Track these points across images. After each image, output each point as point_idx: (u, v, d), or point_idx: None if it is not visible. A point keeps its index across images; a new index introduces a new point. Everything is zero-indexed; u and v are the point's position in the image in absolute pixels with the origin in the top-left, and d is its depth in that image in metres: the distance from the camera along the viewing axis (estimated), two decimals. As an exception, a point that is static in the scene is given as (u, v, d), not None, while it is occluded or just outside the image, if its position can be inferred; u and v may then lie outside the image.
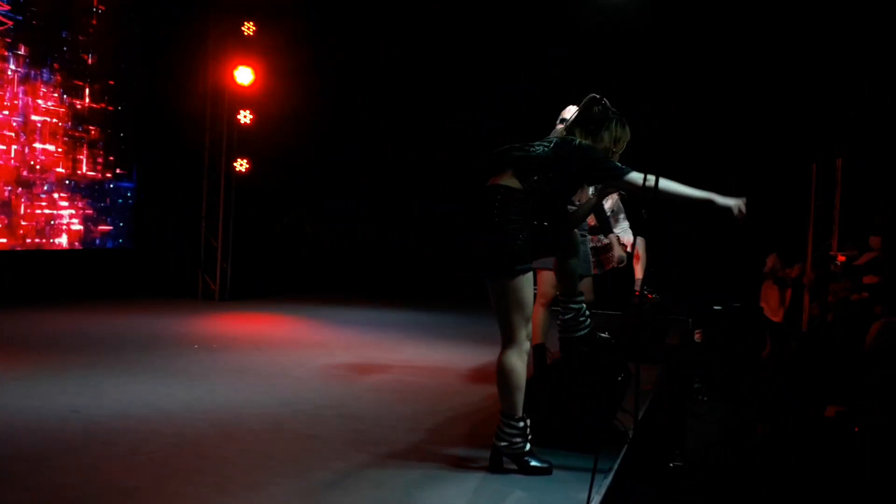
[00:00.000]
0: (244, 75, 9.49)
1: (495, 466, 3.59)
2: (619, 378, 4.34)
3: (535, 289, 5.07)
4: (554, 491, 3.37)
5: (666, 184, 3.47)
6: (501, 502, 3.29)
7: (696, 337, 6.97)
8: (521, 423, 3.57)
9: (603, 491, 3.34)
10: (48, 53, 8.66)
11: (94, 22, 9.24)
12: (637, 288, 6.77)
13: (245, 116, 9.69)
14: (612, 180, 3.67)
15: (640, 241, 6.70)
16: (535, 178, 3.52)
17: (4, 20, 8.22)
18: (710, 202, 3.53)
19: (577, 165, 3.58)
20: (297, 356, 6.13)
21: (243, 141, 9.82)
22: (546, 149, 3.61)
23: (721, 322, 7.22)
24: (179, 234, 10.00)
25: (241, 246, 10.03)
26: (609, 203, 6.73)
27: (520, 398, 3.55)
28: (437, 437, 4.08)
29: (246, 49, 9.53)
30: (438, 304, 10.02)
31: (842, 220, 7.35)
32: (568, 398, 4.00)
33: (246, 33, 9.55)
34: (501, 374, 3.56)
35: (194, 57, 9.67)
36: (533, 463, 3.57)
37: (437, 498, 3.23)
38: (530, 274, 3.59)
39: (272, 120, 9.95)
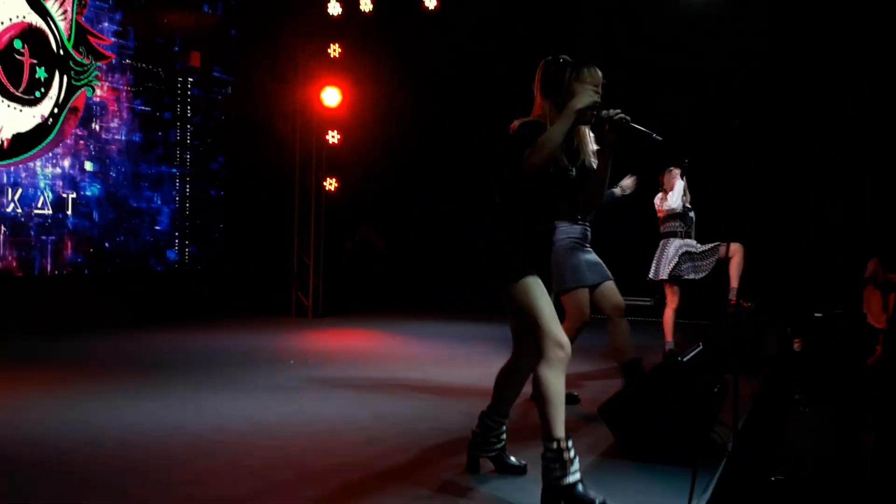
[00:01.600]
0: (331, 96, 9.72)
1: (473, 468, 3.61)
2: (716, 390, 4.25)
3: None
4: (652, 505, 3.32)
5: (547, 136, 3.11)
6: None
7: (796, 346, 6.74)
8: (555, 446, 3.11)
9: (703, 505, 3.27)
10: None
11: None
12: (732, 297, 6.62)
13: (333, 136, 9.92)
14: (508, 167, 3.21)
15: (737, 247, 6.55)
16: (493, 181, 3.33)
17: (107, 53, 8.65)
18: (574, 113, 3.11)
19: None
20: (389, 370, 6.21)
21: (331, 160, 10.05)
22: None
23: (823, 329, 6.96)
24: (272, 253, 10.29)
25: (332, 263, 10.24)
26: (687, 199, 6.60)
27: (555, 414, 3.12)
28: (528, 447, 4.06)
29: (332, 71, 9.77)
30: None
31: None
32: (664, 411, 3.93)
33: (332, 55, 9.79)
34: (535, 388, 3.24)
35: (284, 79, 9.96)
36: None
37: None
38: (530, 279, 3.22)
39: (359, 139, 10.16)
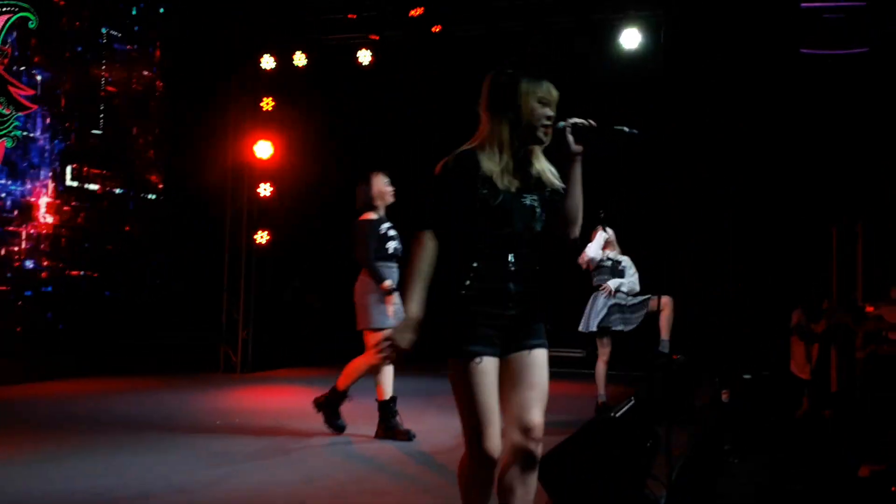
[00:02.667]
0: (264, 149, 9.66)
1: None
2: (648, 444, 4.26)
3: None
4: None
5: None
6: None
7: (724, 397, 6.85)
8: None
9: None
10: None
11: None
12: (662, 348, 6.71)
13: (265, 189, 9.82)
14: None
15: (667, 300, 6.68)
16: None
17: (27, 104, 8.44)
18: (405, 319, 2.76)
19: None
20: (319, 428, 6.06)
21: (263, 213, 9.94)
22: None
23: (750, 383, 7.10)
24: (200, 307, 10.05)
25: (262, 317, 10.05)
26: (613, 252, 6.77)
27: None
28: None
29: (265, 124, 9.73)
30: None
31: (864, 275, 7.28)
32: (598, 467, 3.92)
33: (265, 108, 9.75)
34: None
35: (215, 133, 9.87)
36: None
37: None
38: (484, 363, 2.71)
39: (291, 191, 10.09)
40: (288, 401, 7.89)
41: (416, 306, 2.72)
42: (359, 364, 5.69)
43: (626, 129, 2.86)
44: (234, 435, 5.77)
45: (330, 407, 5.83)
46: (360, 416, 6.70)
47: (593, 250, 6.76)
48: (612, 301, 6.62)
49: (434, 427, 6.23)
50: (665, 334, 6.64)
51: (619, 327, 6.60)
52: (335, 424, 5.84)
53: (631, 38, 8.47)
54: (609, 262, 6.80)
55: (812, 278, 8.31)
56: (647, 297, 6.65)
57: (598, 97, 9.78)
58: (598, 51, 8.81)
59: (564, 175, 2.87)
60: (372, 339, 5.58)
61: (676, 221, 9.50)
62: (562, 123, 2.83)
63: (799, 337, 7.49)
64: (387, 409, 5.72)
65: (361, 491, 4.33)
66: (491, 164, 2.78)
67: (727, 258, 9.71)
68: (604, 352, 6.71)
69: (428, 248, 2.74)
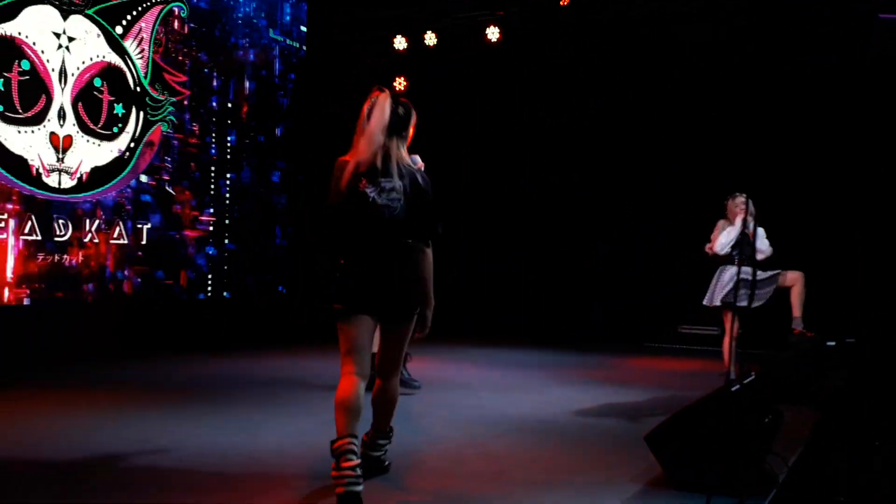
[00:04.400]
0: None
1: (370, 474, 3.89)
2: (767, 420, 4.19)
3: None
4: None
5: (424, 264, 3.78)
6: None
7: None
8: (392, 432, 4.07)
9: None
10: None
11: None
12: (795, 325, 6.48)
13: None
14: None
15: (797, 275, 6.43)
16: None
17: (182, 90, 9.06)
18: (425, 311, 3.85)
19: None
20: (444, 397, 6.27)
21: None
22: None
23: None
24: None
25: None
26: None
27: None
28: (571, 476, 4.08)
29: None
30: (587, 344, 9.94)
31: None
32: (712, 440, 3.90)
33: (397, 89, 10.01)
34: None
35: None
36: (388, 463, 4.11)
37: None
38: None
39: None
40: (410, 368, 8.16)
41: None
42: None
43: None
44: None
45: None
46: (483, 388, 6.87)
47: (720, 246, 6.50)
48: (741, 276, 6.41)
49: (553, 400, 6.32)
50: (797, 311, 6.41)
51: (744, 304, 6.39)
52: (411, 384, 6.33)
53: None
54: (741, 238, 6.51)
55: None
56: (776, 272, 6.41)
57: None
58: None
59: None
60: None
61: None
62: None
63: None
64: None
65: (479, 454, 4.48)
66: None
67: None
68: (731, 328, 6.53)
69: None
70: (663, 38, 8.91)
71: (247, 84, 9.93)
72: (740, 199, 6.52)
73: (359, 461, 3.48)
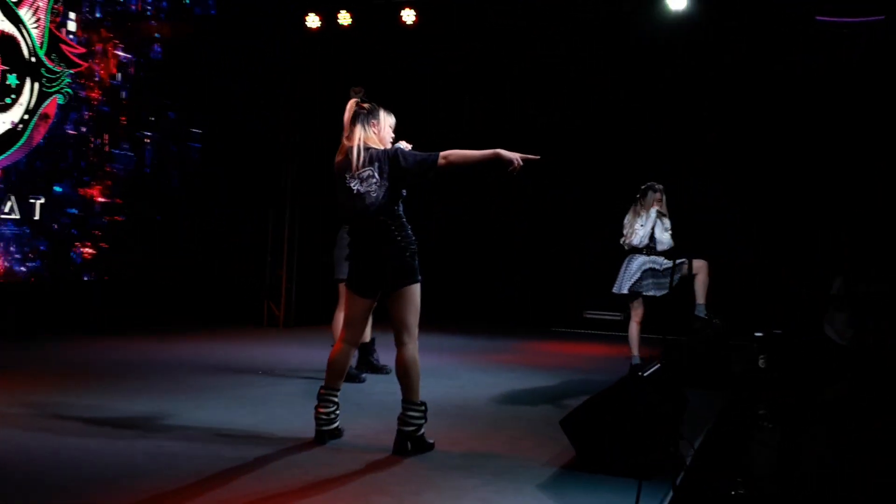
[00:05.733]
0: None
1: (402, 449, 4.17)
2: (674, 404, 4.31)
3: None
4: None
5: (457, 155, 4.11)
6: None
7: (760, 362, 6.83)
8: (424, 407, 4.28)
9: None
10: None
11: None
12: (698, 312, 6.71)
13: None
14: None
15: (701, 263, 6.65)
16: None
17: (79, 62, 8.63)
18: (496, 157, 4.05)
19: None
20: (356, 384, 6.22)
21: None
22: None
23: (788, 347, 7.06)
24: (247, 263, 10.30)
25: (305, 273, 10.21)
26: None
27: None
28: (487, 460, 4.12)
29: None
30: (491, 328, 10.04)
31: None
32: (623, 425, 3.99)
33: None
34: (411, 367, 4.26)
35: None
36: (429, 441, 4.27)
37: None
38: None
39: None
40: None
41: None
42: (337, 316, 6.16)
43: None
44: (274, 385, 5.95)
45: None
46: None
47: (638, 238, 6.64)
48: (647, 265, 6.60)
49: (465, 384, 6.34)
50: (700, 298, 6.63)
51: (652, 292, 6.59)
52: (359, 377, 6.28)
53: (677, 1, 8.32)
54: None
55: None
56: (680, 261, 6.61)
57: (641, 59, 9.67)
58: (643, 11, 8.69)
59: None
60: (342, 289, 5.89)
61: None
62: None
63: (838, 305, 7.42)
64: (365, 349, 6.51)
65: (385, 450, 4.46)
66: None
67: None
68: (636, 314, 6.72)
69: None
70: (655, 37, 8.93)
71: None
72: (659, 190, 6.74)
73: (333, 408, 4.34)
